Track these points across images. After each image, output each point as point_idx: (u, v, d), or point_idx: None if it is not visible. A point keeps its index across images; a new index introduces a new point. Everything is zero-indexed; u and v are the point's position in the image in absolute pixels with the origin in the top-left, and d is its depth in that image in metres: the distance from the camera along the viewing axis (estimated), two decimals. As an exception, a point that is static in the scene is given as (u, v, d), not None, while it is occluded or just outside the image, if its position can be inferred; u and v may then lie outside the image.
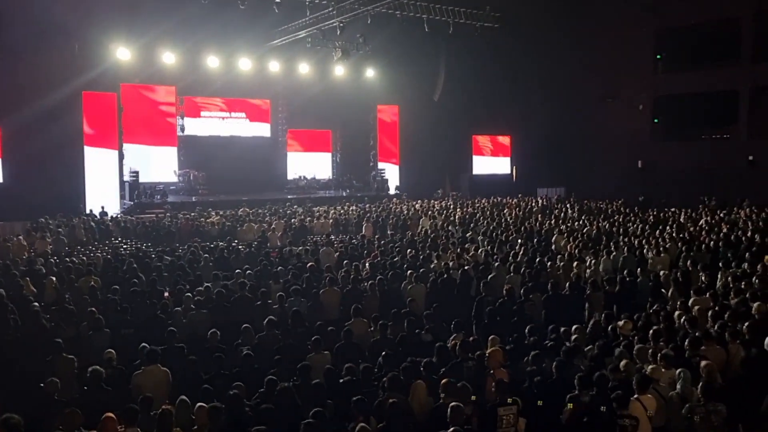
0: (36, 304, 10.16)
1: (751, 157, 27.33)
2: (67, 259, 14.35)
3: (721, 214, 20.29)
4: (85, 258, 14.60)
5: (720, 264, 12.52)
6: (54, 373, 7.50)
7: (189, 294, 10.51)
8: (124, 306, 9.96)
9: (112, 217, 21.67)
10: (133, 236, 18.81)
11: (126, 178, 25.83)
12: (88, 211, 22.77)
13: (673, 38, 30.73)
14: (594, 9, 31.44)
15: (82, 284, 11.54)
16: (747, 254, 12.87)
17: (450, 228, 19.40)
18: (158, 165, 28.05)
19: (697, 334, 7.76)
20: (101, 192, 24.74)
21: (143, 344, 8.02)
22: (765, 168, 25.92)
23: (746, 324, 8.00)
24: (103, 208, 22.72)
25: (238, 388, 6.78)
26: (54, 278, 11.79)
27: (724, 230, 16.64)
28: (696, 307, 9.20)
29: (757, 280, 10.64)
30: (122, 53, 24.99)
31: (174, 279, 12.14)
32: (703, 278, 11.40)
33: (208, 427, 6.04)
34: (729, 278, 11.26)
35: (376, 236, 18.17)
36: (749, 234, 15.54)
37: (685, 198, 25.15)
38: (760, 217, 19.03)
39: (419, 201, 27.30)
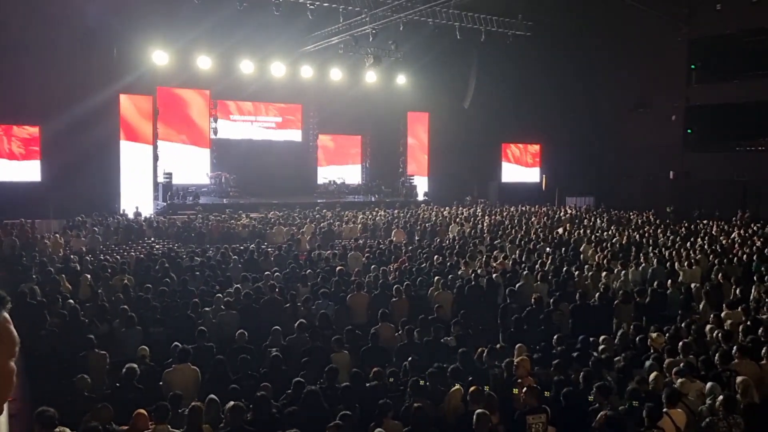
0: (71, 300, 10.40)
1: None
2: (102, 257, 14.70)
3: (755, 227, 19.90)
4: (118, 257, 14.91)
5: (754, 278, 12.30)
6: (86, 368, 7.66)
7: (219, 295, 10.61)
8: (155, 305, 10.12)
9: (145, 217, 22.08)
10: (165, 236, 19.12)
11: (160, 179, 26.26)
12: (122, 211, 23.23)
13: (707, 48, 30.28)
14: (627, 18, 31.07)
15: (115, 282, 11.76)
16: (781, 269, 12.65)
17: (478, 235, 19.36)
18: (191, 167, 28.48)
19: (732, 347, 7.61)
20: (135, 193, 25.23)
21: (175, 343, 8.13)
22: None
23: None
24: (137, 208, 23.12)
25: (265, 389, 6.81)
26: (89, 276, 12.06)
27: (758, 244, 16.33)
28: (728, 321, 9.06)
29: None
30: (159, 57, 25.45)
31: (204, 279, 12.31)
32: (736, 292, 11.21)
33: (230, 425, 6.12)
34: (762, 292, 11.07)
35: (404, 242, 18.21)
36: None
37: (718, 210, 24.71)
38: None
39: (447, 208, 27.26)
